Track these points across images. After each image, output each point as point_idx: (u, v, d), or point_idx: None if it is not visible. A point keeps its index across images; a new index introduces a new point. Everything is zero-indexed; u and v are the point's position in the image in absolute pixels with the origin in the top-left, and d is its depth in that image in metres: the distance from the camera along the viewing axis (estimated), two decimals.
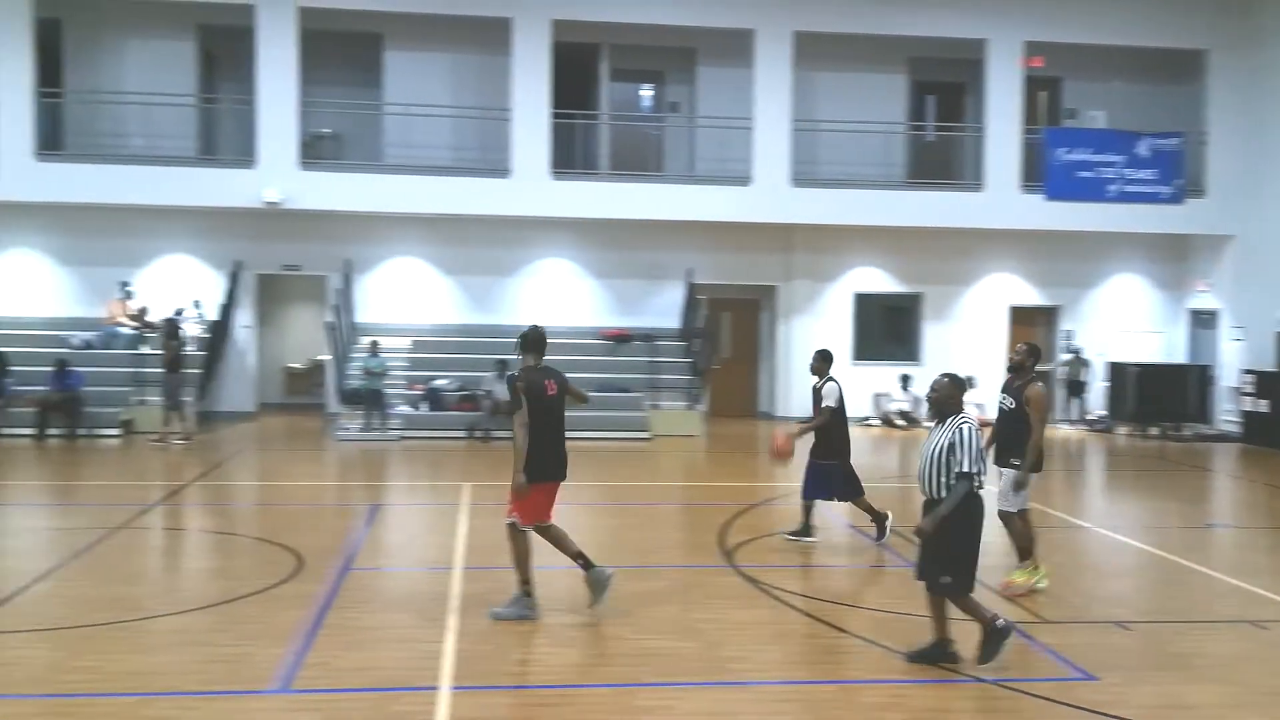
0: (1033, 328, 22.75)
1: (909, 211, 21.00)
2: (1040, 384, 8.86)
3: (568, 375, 8.30)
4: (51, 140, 19.60)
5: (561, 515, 8.45)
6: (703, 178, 20.94)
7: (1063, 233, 21.56)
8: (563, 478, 8.19)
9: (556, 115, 20.24)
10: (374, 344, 19.20)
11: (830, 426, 10.55)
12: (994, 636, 7.04)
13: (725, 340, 22.61)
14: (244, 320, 20.94)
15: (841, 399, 10.62)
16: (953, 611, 7.15)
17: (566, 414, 8.18)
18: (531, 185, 19.96)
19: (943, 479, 6.94)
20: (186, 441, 17.22)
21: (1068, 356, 22.39)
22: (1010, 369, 9.22)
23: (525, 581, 8.10)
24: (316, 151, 20.40)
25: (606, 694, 6.69)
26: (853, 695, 6.75)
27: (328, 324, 19.82)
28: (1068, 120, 22.33)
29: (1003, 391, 9.06)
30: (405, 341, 20.72)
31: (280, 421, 20.52)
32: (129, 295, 20.16)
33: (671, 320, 21.60)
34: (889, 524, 10.68)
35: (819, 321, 22.10)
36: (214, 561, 10.47)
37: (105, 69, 20.57)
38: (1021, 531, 8.98)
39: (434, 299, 21.44)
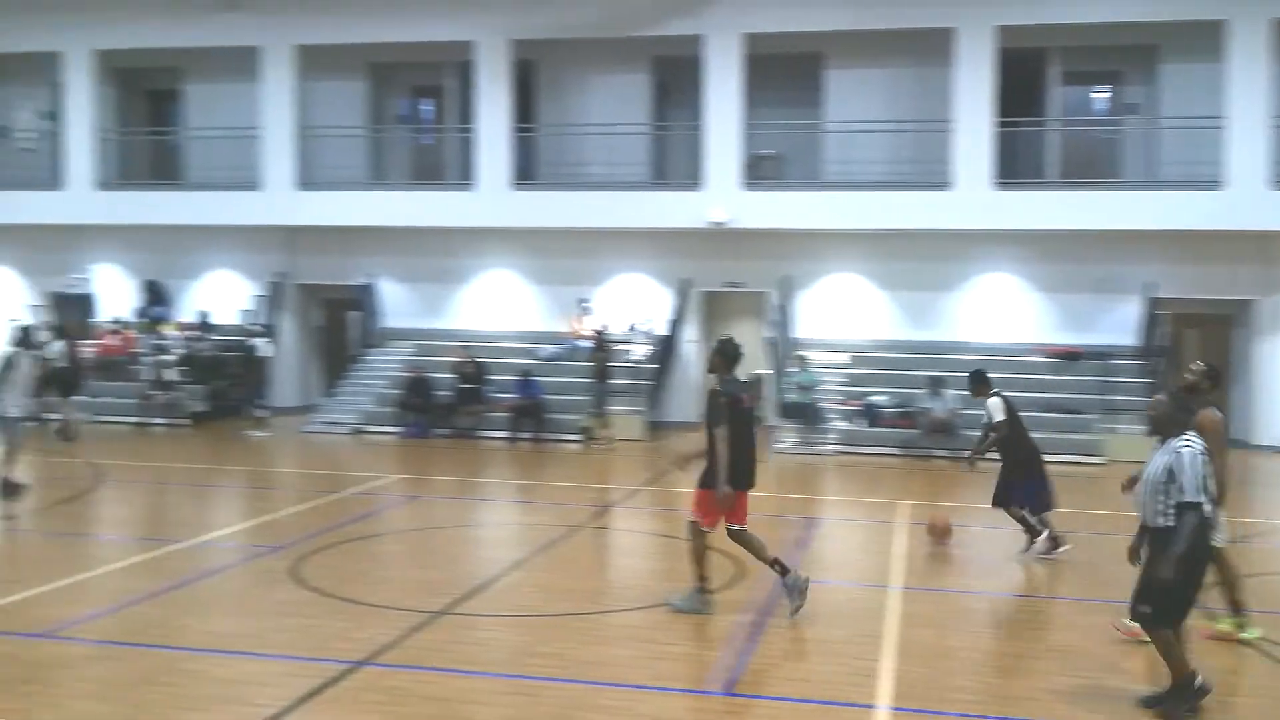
0: None
1: None
2: (1214, 409, 7.79)
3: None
4: (525, 171, 21.63)
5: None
6: (1166, 183, 19.32)
7: None
8: (752, 486, 8.38)
9: (1001, 123, 19.53)
10: (801, 359, 19.47)
11: (1007, 441, 10.68)
12: (1182, 692, 6.35)
13: (1191, 360, 20.66)
14: (689, 335, 21.93)
15: (1008, 411, 10.65)
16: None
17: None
18: (973, 197, 19.38)
19: (1159, 506, 6.37)
20: (606, 446, 18.38)
21: None
22: (1184, 391, 7.91)
23: (702, 578, 8.37)
24: (759, 172, 21.02)
25: None
26: None
27: (767, 339, 20.32)
28: None
29: None
30: (843, 357, 20.78)
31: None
32: (588, 311, 21.75)
33: (1127, 337, 20.08)
34: (1060, 550, 10.52)
35: None
36: (660, 563, 11.02)
37: (571, 104, 22.40)
38: (1228, 575, 7.89)
39: (871, 314, 21.35)
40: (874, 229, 20.40)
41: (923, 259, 21.02)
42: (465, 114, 21.87)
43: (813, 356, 19.89)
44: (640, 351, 20.90)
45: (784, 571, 8.31)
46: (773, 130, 21.26)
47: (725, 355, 8.48)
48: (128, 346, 22.09)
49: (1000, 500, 10.76)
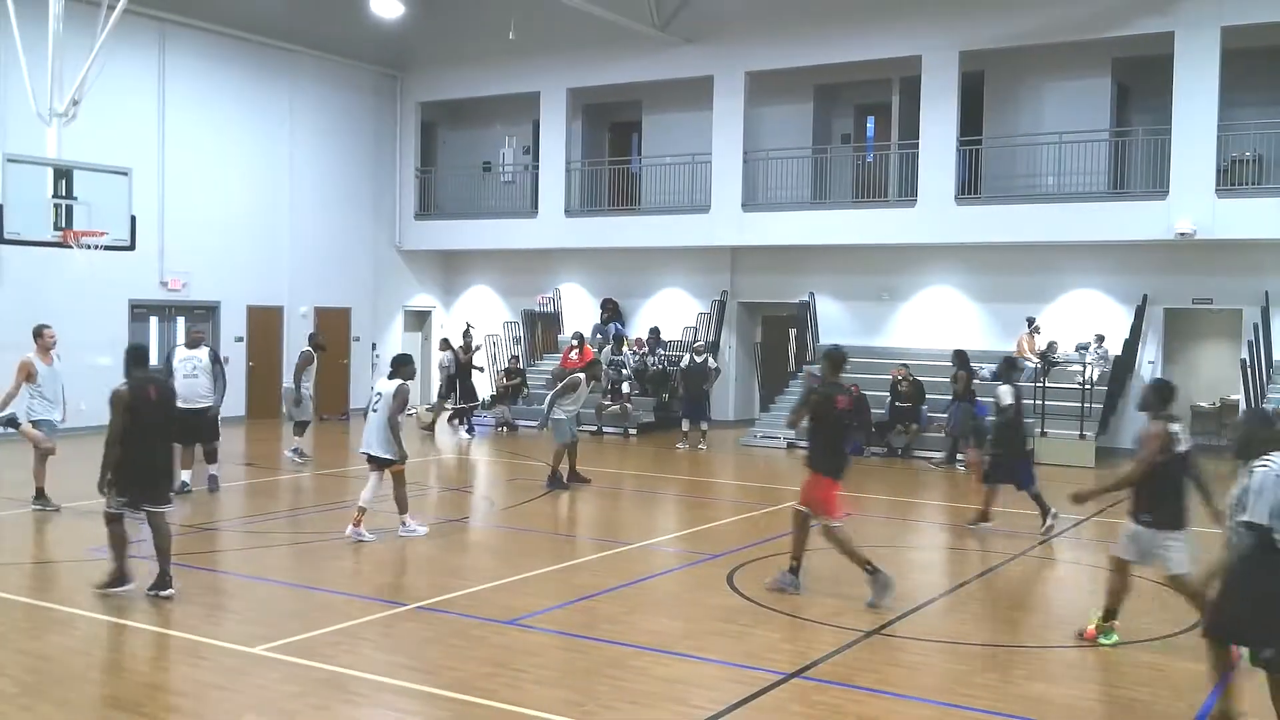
0: None
1: None
2: (1158, 424, 7.86)
3: None
4: (970, 185, 20.99)
5: None
6: None
7: None
8: (841, 477, 9.45)
9: None
10: None
11: (1011, 426, 12.63)
12: None
13: None
14: (1149, 356, 20.31)
15: (1016, 398, 12.62)
16: None
17: None
18: None
19: (1236, 529, 6.13)
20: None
21: None
22: (1139, 408, 8.41)
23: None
24: (1235, 177, 19.07)
25: None
26: None
27: (1242, 362, 18.37)
28: None
29: None
30: None
31: None
32: (1036, 330, 20.73)
33: None
34: (985, 525, 12.52)
35: None
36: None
37: (1023, 113, 21.51)
38: (1114, 584, 8.12)
39: None
40: None
41: None
42: (909, 129, 21.63)
43: None
44: (1092, 373, 19.61)
45: (874, 571, 9.11)
46: (1253, 131, 19.22)
47: (832, 360, 9.77)
48: (587, 360, 23.88)
49: (1023, 484, 12.46)
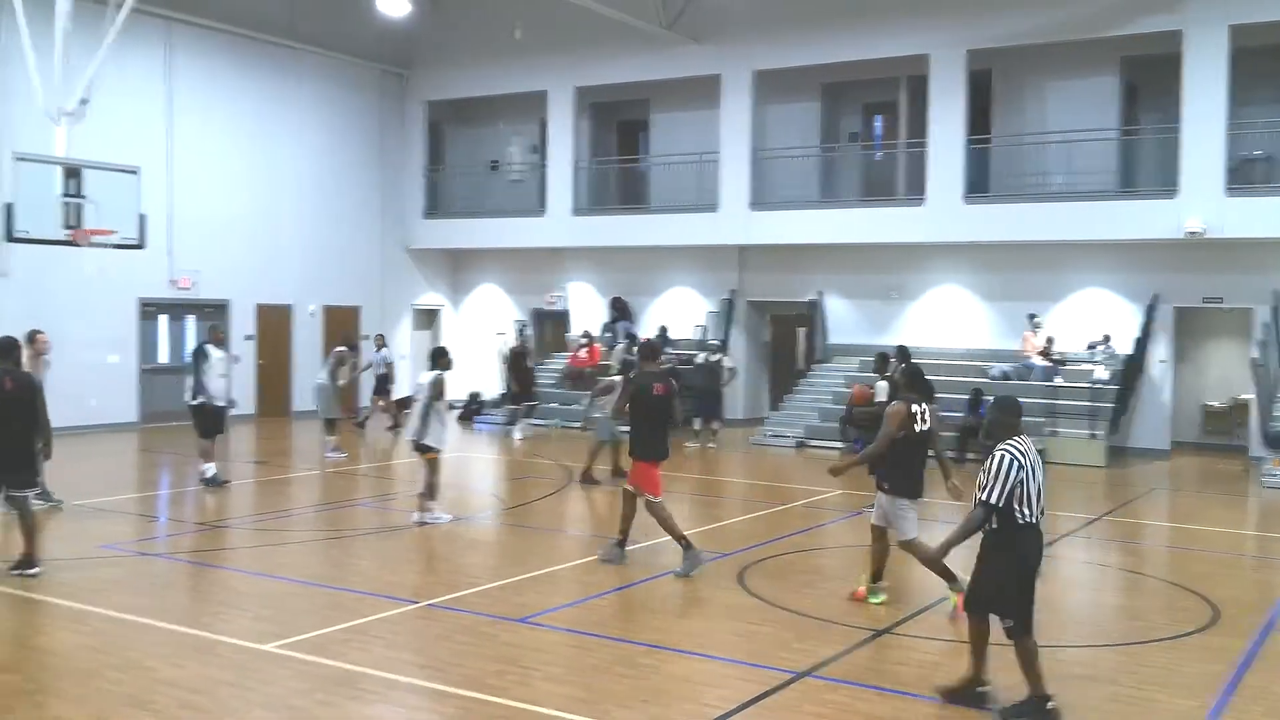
0: None
1: None
2: (901, 404, 8.75)
3: None
4: (978, 184, 20.94)
5: None
6: None
7: None
8: (665, 457, 10.24)
9: None
10: None
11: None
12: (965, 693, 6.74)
13: None
14: (1159, 355, 20.26)
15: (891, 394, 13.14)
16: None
17: None
18: None
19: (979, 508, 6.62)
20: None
21: None
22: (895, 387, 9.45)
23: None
24: (1245, 176, 19.01)
25: None
26: None
27: (1253, 360, 18.31)
28: None
29: None
30: None
31: (1195, 462, 19.44)
32: (1038, 327, 20.66)
33: None
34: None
35: None
36: (1121, 599, 10.27)
37: (1031, 111, 21.45)
38: (875, 550, 9.10)
39: None
40: None
41: None
42: (917, 128, 21.59)
43: None
44: (1101, 372, 19.55)
45: (687, 546, 9.95)
46: (1263, 130, 19.16)
47: (647, 350, 10.59)
48: (595, 359, 23.89)
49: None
